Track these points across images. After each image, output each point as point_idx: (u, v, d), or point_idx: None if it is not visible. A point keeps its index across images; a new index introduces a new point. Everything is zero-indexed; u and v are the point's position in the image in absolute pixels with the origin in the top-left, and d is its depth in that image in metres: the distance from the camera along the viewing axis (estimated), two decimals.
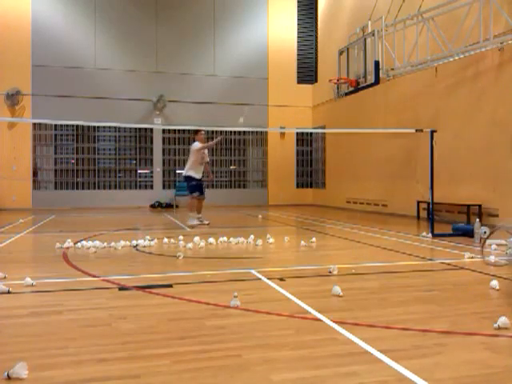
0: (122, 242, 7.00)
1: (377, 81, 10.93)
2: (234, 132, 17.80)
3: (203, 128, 10.81)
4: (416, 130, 9.19)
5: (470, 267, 5.35)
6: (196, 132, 10.50)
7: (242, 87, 17.81)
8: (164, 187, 17.37)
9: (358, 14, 14.29)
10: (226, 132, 17.37)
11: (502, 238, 6.85)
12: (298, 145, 18.84)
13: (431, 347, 2.81)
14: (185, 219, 10.64)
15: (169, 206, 16.79)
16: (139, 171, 17.27)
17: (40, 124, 16.19)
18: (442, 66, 10.79)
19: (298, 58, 18.74)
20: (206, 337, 3.01)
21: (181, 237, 7.58)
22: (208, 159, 10.58)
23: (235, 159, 18.23)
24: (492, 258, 5.56)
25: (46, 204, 15.86)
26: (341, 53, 12.63)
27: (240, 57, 17.92)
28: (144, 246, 6.98)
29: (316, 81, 18.54)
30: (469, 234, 7.86)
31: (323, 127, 16.98)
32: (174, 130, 17.36)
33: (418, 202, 11.74)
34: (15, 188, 15.63)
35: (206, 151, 10.35)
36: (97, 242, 6.96)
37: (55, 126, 16.33)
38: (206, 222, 10.08)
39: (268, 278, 4.74)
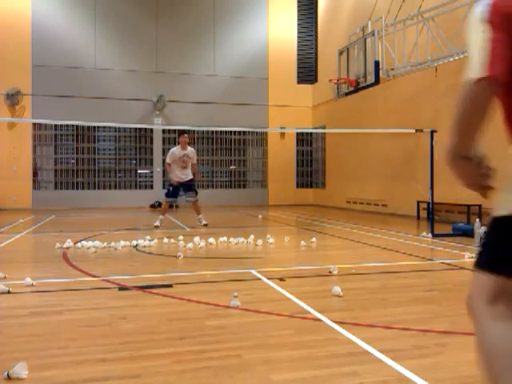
0: (122, 242, 6.99)
1: (377, 81, 10.93)
2: (234, 132, 17.79)
3: (203, 128, 10.83)
4: (416, 130, 9.18)
5: (470, 267, 5.35)
6: (180, 133, 10.45)
7: (242, 87, 17.80)
8: (164, 187, 17.32)
9: (358, 14, 14.28)
10: (225, 132, 17.38)
11: None
12: (298, 145, 18.84)
13: (431, 347, 2.82)
14: (185, 219, 10.70)
15: (168, 206, 16.74)
16: (139, 171, 17.27)
17: (40, 124, 16.19)
18: (442, 66, 10.78)
19: (298, 58, 18.73)
20: (206, 337, 3.01)
21: (181, 237, 7.57)
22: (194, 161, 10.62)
23: (235, 159, 18.22)
24: None
25: (46, 204, 15.84)
26: (341, 53, 12.62)
27: (240, 57, 17.91)
28: (144, 246, 6.98)
29: (316, 81, 18.53)
30: (469, 234, 7.87)
31: (323, 127, 16.97)
32: (174, 130, 17.32)
33: (418, 202, 11.74)
34: (15, 188, 15.63)
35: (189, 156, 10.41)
36: (97, 242, 6.96)
37: (55, 126, 16.32)
38: (205, 223, 10.14)
39: (268, 278, 4.74)
